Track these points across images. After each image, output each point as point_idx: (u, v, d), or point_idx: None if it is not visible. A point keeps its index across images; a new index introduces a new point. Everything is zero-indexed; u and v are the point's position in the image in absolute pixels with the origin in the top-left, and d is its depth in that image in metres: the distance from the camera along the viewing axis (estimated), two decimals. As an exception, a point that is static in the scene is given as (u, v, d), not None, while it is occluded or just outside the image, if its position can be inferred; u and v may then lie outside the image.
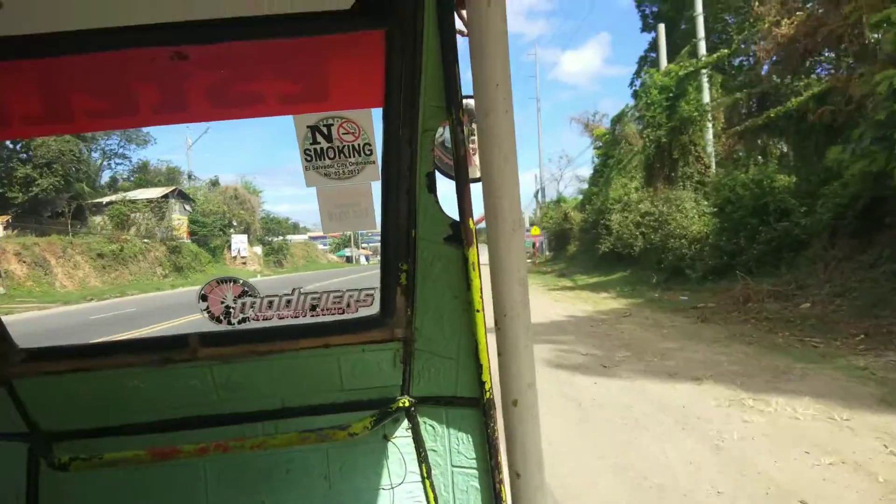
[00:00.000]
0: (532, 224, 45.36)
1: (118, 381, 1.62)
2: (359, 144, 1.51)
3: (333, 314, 1.57)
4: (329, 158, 1.51)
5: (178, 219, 45.69)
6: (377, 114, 1.45)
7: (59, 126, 1.50)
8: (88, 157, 44.93)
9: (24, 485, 1.65)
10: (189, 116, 1.49)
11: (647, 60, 40.77)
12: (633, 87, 41.38)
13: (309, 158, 1.50)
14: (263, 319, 1.58)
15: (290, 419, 1.63)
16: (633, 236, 20.06)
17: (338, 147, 1.50)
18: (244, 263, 50.72)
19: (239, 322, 1.58)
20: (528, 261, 45.49)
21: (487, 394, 1.47)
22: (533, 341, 0.92)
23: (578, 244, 32.09)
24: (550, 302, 14.78)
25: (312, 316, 1.57)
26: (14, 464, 1.66)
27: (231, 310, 1.57)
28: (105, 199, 42.68)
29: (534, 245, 47.98)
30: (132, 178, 50.55)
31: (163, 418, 1.64)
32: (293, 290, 1.57)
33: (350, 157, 1.51)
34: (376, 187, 1.53)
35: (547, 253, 43.99)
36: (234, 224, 52.88)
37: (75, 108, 1.47)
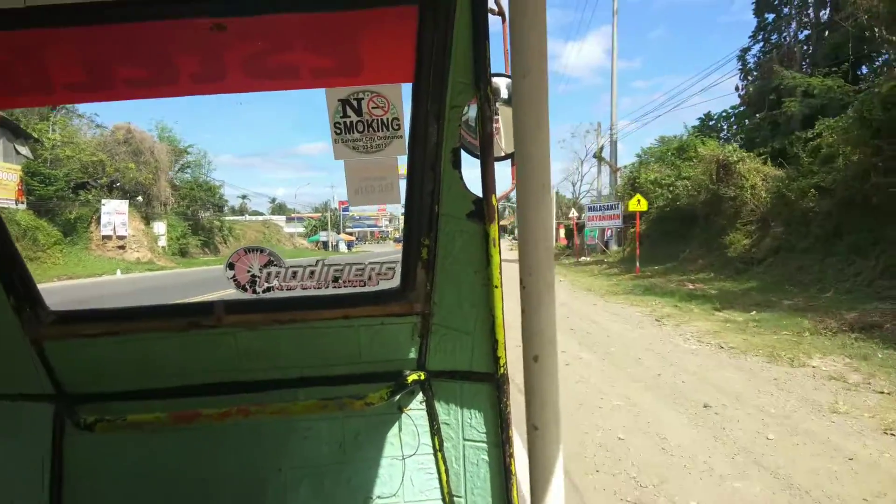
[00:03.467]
0: (616, 197, 28.81)
1: (144, 346, 1.66)
2: (387, 119, 1.54)
3: (355, 286, 1.60)
4: (358, 132, 1.54)
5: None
6: (407, 89, 1.49)
7: (101, 93, 1.56)
8: None
9: (50, 445, 1.70)
10: (226, 87, 1.54)
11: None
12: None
13: (338, 132, 1.54)
14: (287, 289, 1.62)
15: (309, 388, 1.66)
16: None
17: (367, 121, 1.54)
18: (122, 247, 31.20)
19: (264, 291, 1.62)
20: (586, 258, 29.79)
21: (502, 369, 1.48)
22: (555, 300, 0.94)
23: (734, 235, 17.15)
24: None
25: (335, 287, 1.60)
26: (40, 425, 1.71)
27: (256, 279, 1.61)
28: None
29: (603, 233, 31.37)
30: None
31: (187, 383, 1.68)
32: (317, 261, 1.60)
33: (378, 130, 1.55)
34: (402, 162, 1.56)
35: (614, 247, 29.06)
36: (121, 185, 32.15)
37: (116, 77, 1.53)
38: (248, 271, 1.62)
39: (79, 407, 1.68)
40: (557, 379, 0.92)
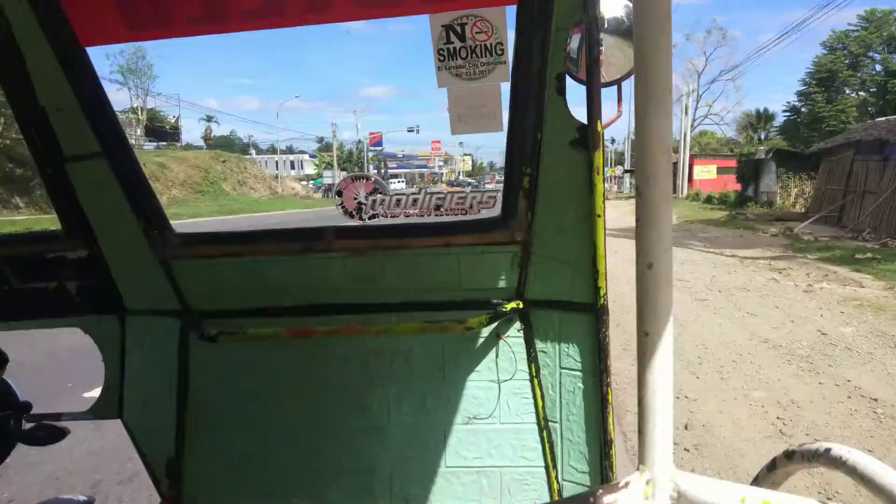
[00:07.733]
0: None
1: (262, 267, 1.81)
2: (491, 44, 1.52)
3: (457, 214, 1.64)
4: (461, 58, 1.53)
5: None
6: (511, 12, 1.44)
7: (218, 25, 1.63)
8: None
9: (177, 356, 1.92)
10: (334, 16, 1.57)
11: None
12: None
13: (442, 58, 1.54)
14: (392, 217, 1.69)
15: (412, 312, 1.76)
16: None
17: (470, 46, 1.53)
18: None
19: (370, 218, 1.70)
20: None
21: (602, 300, 1.49)
22: (671, 211, 0.91)
23: None
24: None
25: (437, 215, 1.65)
26: (169, 338, 1.91)
27: (363, 206, 1.70)
28: None
29: None
30: None
31: (299, 303, 1.83)
32: (420, 189, 1.66)
33: (482, 56, 1.53)
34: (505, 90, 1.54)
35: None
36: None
37: (233, 8, 1.60)
38: (355, 198, 1.70)
39: (203, 321, 1.87)
40: (671, 288, 0.92)
